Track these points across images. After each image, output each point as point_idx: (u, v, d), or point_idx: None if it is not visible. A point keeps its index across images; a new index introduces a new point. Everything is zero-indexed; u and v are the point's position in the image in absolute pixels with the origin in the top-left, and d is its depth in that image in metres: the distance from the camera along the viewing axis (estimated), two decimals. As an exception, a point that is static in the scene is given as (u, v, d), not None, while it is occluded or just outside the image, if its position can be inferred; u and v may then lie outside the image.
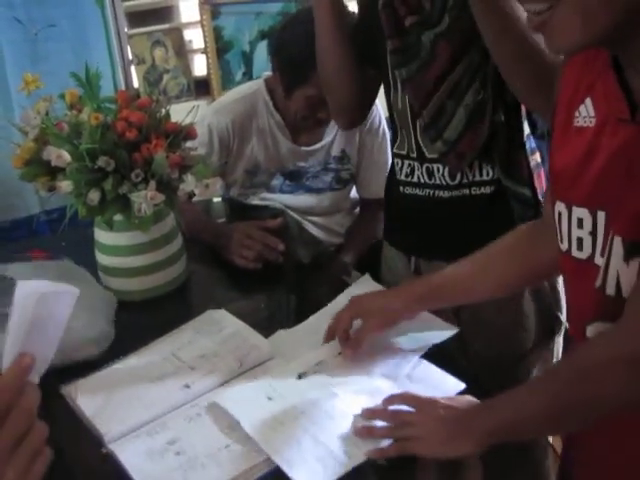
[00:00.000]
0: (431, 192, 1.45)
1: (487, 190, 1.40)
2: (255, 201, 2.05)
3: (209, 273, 1.76)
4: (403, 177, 1.50)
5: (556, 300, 1.48)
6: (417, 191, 1.47)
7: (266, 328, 1.39)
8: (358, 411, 1.11)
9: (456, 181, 1.41)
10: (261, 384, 1.22)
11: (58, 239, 1.90)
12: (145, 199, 1.31)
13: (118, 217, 1.42)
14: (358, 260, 2.02)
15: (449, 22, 1.28)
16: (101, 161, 1.32)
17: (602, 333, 0.93)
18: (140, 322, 1.51)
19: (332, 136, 2.05)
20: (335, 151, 2.06)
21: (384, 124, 2.07)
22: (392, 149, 1.53)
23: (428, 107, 1.35)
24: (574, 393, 0.91)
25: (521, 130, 1.37)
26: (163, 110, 1.44)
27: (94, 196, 1.33)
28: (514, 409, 0.96)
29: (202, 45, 2.85)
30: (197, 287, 1.67)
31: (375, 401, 1.14)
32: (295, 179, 2.07)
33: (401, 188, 1.51)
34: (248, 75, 2.85)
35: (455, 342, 1.27)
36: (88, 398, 1.22)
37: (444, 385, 1.19)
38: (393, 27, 1.35)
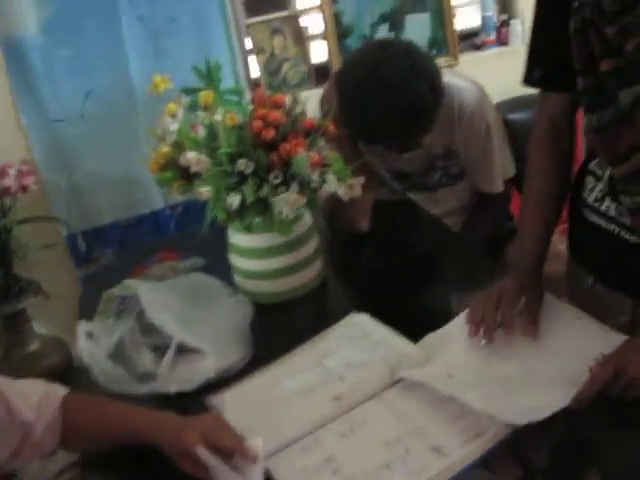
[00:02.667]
0: (617, 230, 1.26)
1: None
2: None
3: (345, 273, 1.71)
4: (591, 200, 1.32)
5: None
6: (602, 222, 1.29)
7: (411, 331, 1.32)
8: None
9: None
10: (436, 367, 1.22)
11: (186, 238, 1.88)
12: (287, 203, 1.25)
13: (256, 220, 1.38)
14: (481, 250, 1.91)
15: None
16: (240, 164, 1.27)
17: None
18: (279, 325, 1.48)
19: (430, 137, 1.79)
20: (437, 150, 1.87)
21: (488, 120, 1.83)
22: (587, 163, 1.34)
23: (620, 168, 1.17)
24: None
25: None
26: (299, 107, 1.38)
27: (234, 200, 1.29)
28: None
29: (320, 31, 2.78)
30: (334, 288, 1.62)
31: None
32: (403, 179, 1.94)
33: (586, 212, 1.33)
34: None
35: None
36: (236, 411, 1.18)
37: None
38: (585, 63, 1.14)
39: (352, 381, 1.21)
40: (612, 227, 1.27)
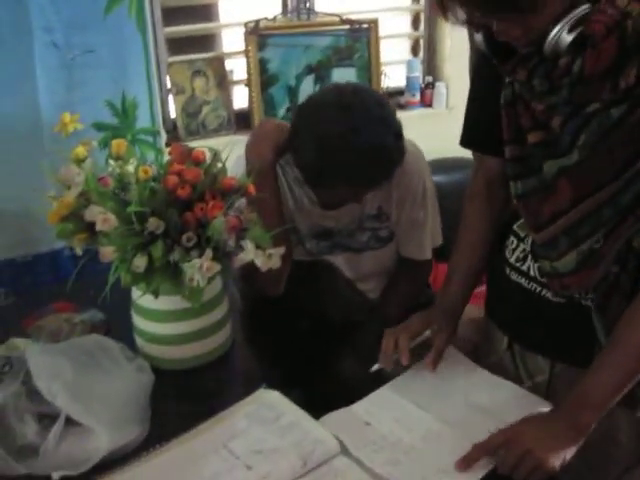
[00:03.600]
0: (538, 288, 1.29)
1: None
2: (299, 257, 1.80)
3: (256, 339, 1.60)
4: (513, 260, 1.34)
5: None
6: (523, 281, 1.32)
7: (320, 408, 1.25)
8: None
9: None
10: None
11: (86, 286, 1.74)
12: (199, 270, 1.15)
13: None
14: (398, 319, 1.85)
15: (578, 159, 1.09)
16: (151, 224, 1.16)
17: None
18: (182, 395, 1.37)
19: (367, 195, 1.71)
20: (370, 209, 1.78)
21: (425, 184, 1.79)
22: (511, 223, 1.36)
23: (541, 234, 1.20)
24: None
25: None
26: (219, 164, 1.28)
27: (140, 262, 1.17)
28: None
29: (245, 76, 2.70)
30: (243, 355, 1.52)
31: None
32: (326, 238, 1.82)
33: (507, 270, 1.36)
34: (292, 111, 2.68)
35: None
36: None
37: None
38: (513, 134, 1.18)
39: (260, 471, 1.10)
40: (533, 286, 1.30)
